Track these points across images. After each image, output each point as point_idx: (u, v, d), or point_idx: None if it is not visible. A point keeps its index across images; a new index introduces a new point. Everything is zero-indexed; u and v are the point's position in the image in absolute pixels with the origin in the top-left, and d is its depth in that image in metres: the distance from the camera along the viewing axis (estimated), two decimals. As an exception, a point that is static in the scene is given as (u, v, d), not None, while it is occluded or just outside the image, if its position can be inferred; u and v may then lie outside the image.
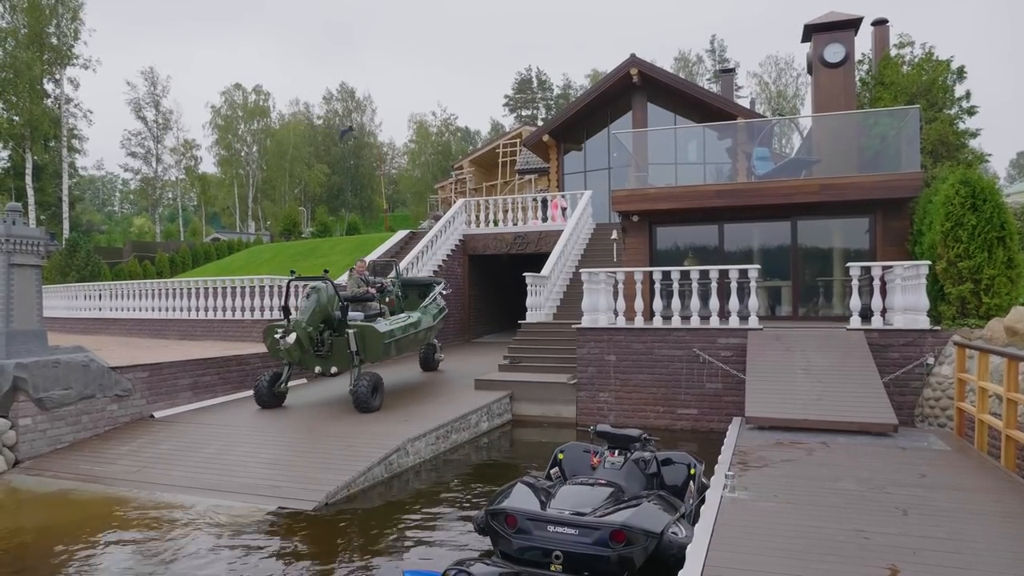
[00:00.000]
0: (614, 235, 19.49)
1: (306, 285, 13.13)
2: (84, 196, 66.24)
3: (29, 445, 10.17)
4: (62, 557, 6.87)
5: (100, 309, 22.29)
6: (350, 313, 12.53)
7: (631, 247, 15.85)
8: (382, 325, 12.23)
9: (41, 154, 41.88)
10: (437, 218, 29.55)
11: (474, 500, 8.59)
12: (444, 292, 15.95)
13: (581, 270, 13.54)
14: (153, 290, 20.33)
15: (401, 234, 24.46)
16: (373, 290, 13.42)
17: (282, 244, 36.87)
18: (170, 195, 68.70)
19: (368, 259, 16.33)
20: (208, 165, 68.49)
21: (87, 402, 11.00)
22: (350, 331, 11.75)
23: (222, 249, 41.76)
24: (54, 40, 41.81)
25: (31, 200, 40.19)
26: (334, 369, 12.12)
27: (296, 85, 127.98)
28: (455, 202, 23.80)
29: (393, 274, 14.90)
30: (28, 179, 40.29)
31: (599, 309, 13.15)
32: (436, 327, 14.80)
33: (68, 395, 10.67)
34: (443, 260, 20.95)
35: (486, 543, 6.66)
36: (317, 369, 12.14)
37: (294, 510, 7.97)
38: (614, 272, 13.51)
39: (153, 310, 20.13)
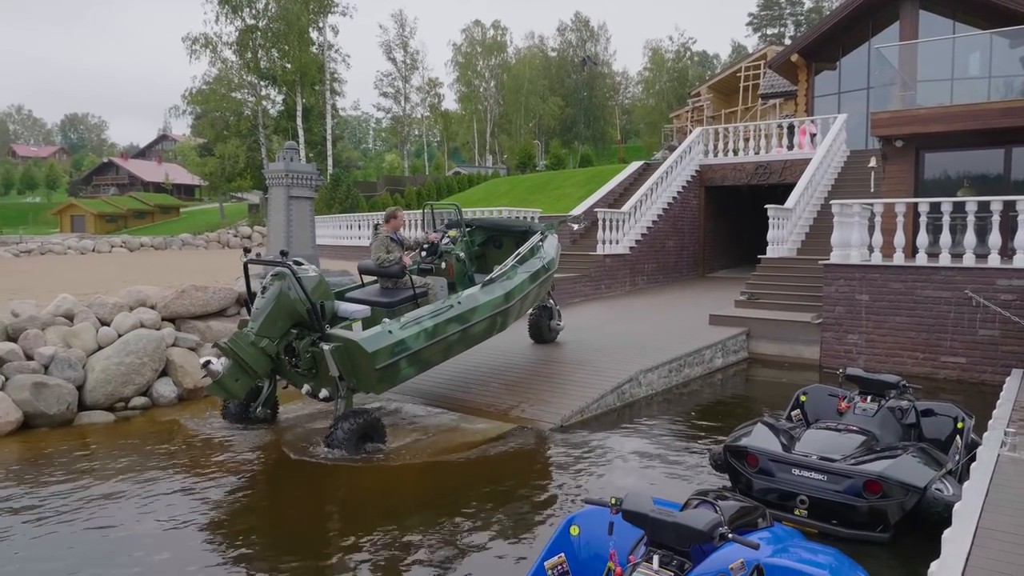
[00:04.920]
0: (872, 163, 17.70)
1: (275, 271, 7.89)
2: (343, 135, 72.56)
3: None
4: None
5: (360, 238, 24.59)
6: (345, 307, 8.43)
7: (891, 176, 14.32)
8: (379, 337, 7.59)
9: (309, 97, 46.42)
10: (672, 149, 28.74)
11: (706, 435, 8.43)
12: (561, 233, 11.54)
13: (832, 202, 12.49)
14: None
15: (634, 166, 24.14)
16: (408, 259, 9.29)
17: (518, 177, 38.01)
18: (416, 132, 73.21)
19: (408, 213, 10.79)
20: (450, 102, 71.83)
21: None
22: (325, 347, 7.39)
23: (463, 182, 43.94)
24: (317, -10, 45.67)
25: (301, 140, 44.78)
26: (323, 393, 7.91)
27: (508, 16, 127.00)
28: (691, 132, 22.92)
29: (444, 227, 10.47)
30: (298, 120, 44.95)
31: (851, 244, 12.09)
32: (528, 300, 10.13)
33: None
34: (677, 192, 20.37)
35: (719, 479, 6.53)
36: (305, 389, 8.00)
37: (532, 429, 8.36)
38: (871, 204, 12.31)
39: (404, 239, 21.66)
